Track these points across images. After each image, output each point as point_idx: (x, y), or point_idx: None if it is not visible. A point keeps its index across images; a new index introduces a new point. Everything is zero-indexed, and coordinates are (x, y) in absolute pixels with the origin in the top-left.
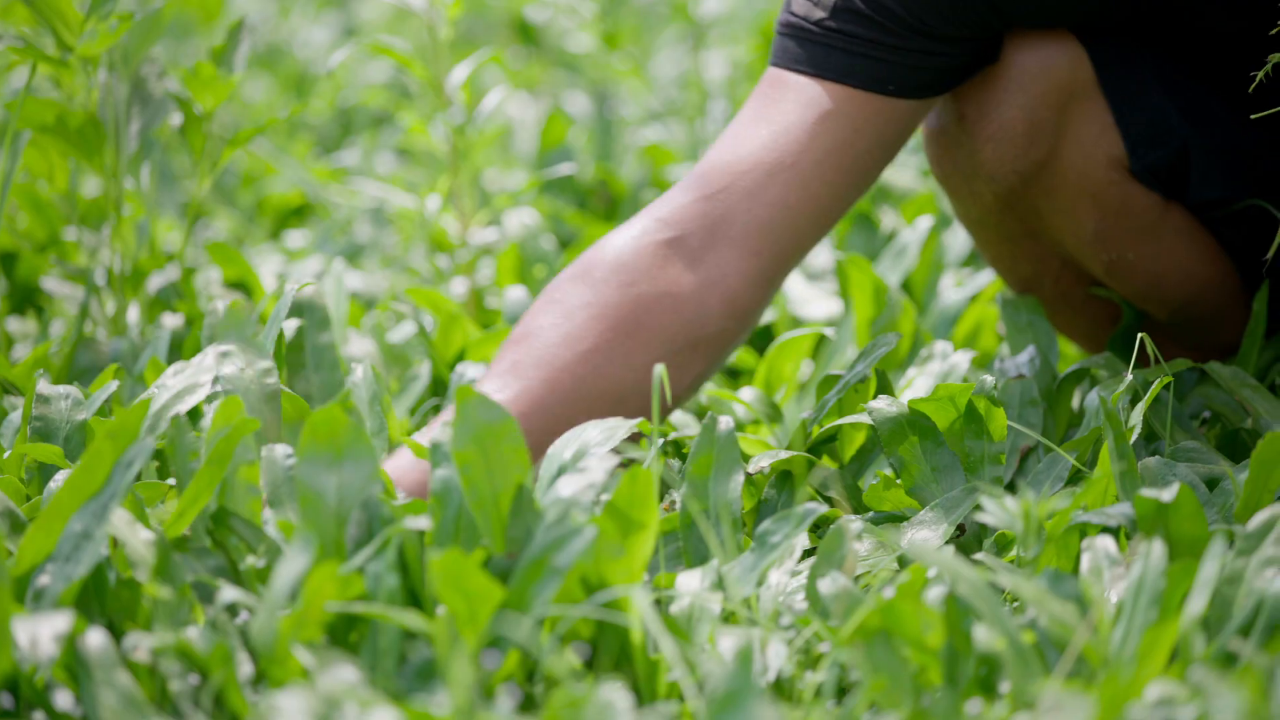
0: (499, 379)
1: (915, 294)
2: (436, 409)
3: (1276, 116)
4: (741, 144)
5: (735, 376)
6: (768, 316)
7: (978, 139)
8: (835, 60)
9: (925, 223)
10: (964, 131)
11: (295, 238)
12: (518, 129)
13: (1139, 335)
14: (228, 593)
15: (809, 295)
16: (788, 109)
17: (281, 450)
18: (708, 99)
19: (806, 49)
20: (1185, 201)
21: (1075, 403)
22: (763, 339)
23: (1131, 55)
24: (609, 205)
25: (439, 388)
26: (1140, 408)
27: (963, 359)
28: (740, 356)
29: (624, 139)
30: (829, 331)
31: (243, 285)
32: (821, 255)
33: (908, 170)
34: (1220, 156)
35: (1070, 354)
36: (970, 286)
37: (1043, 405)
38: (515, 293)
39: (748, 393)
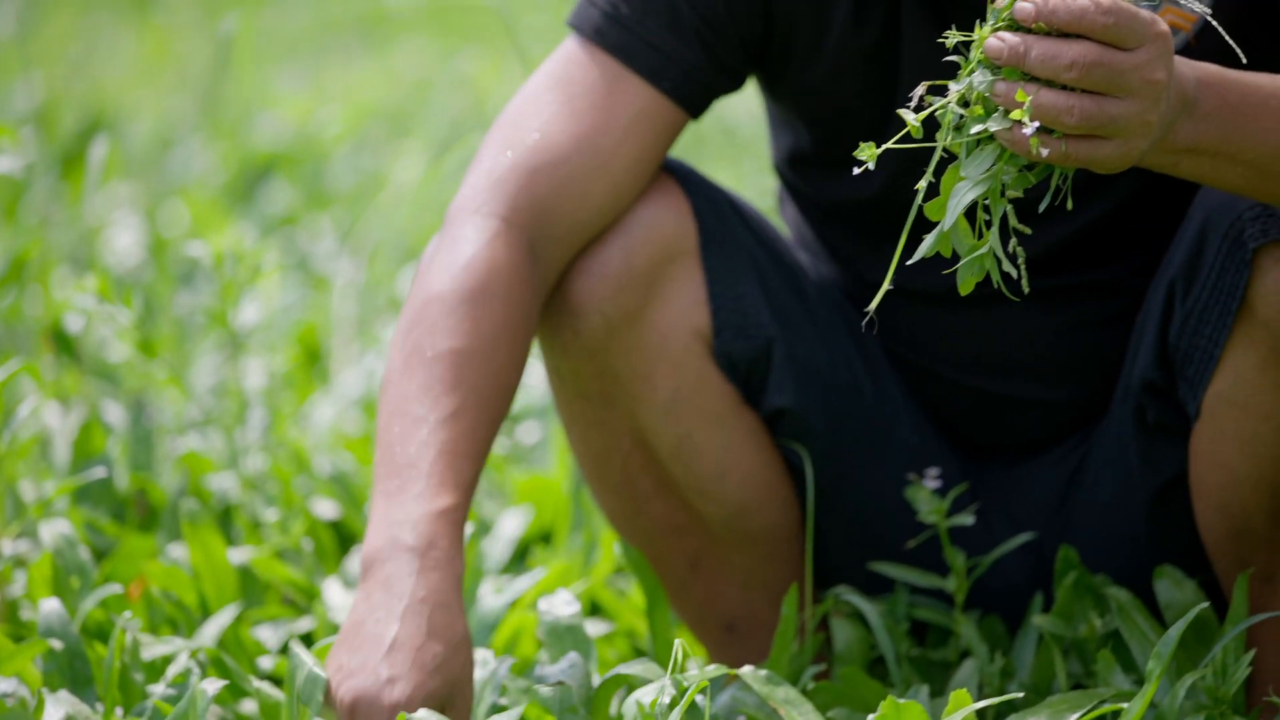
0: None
1: None
2: None
3: (855, 348)
4: (552, 126)
5: (279, 685)
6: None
7: (573, 270)
8: (635, 46)
9: (465, 530)
10: (567, 266)
11: None
12: (54, 438)
13: (676, 641)
14: None
15: None
16: (595, 91)
17: None
18: (246, 407)
19: (610, 26)
20: (759, 408)
21: (614, 708)
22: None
23: (738, 242)
24: (146, 514)
25: None
26: (677, 712)
27: (502, 666)
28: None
29: (162, 447)
30: None
31: None
32: None
33: None
34: (798, 367)
35: (608, 659)
36: (509, 593)
37: (582, 711)
38: (50, 604)
39: None
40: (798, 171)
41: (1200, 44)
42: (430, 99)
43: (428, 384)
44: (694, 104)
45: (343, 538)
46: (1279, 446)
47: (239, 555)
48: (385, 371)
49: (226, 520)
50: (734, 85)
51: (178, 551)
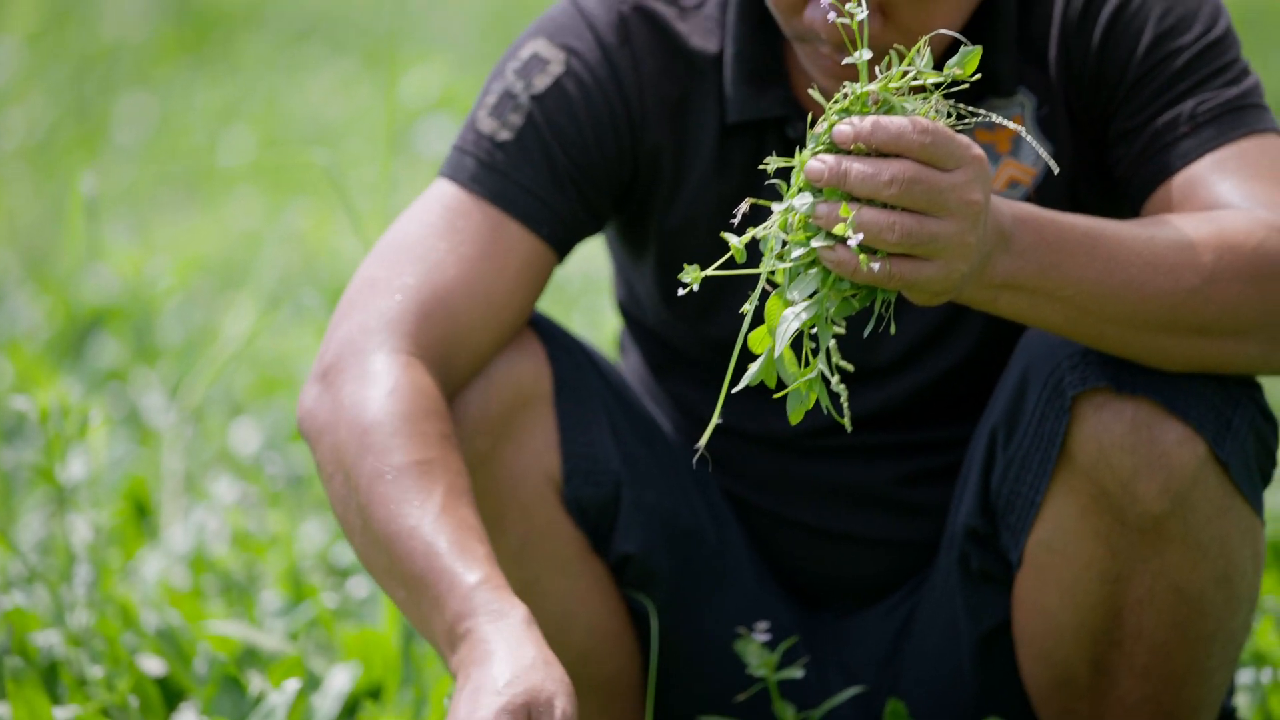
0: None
1: None
2: None
3: (699, 495)
4: (441, 272)
5: None
6: None
7: None
8: (512, 193)
9: (293, 685)
10: None
11: None
12: None
13: None
14: None
15: None
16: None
17: None
18: (73, 562)
19: (487, 174)
20: (606, 554)
21: None
22: None
23: (590, 389)
24: None
25: None
26: None
27: None
28: None
29: None
30: None
31: None
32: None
33: (274, 634)
34: (645, 514)
35: None
36: None
37: None
38: None
39: None
40: (649, 314)
41: (1039, 197)
42: (260, 252)
43: (404, 495)
44: (565, 248)
45: (169, 694)
46: (1100, 594)
47: (64, 714)
48: (345, 512)
49: (52, 677)
50: (597, 228)
51: (1, 710)
